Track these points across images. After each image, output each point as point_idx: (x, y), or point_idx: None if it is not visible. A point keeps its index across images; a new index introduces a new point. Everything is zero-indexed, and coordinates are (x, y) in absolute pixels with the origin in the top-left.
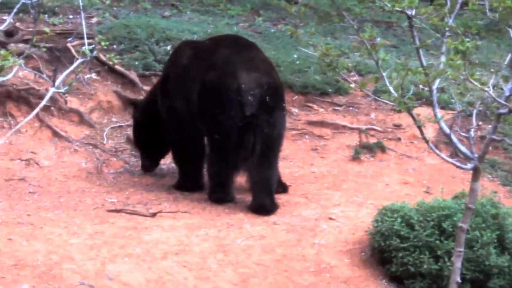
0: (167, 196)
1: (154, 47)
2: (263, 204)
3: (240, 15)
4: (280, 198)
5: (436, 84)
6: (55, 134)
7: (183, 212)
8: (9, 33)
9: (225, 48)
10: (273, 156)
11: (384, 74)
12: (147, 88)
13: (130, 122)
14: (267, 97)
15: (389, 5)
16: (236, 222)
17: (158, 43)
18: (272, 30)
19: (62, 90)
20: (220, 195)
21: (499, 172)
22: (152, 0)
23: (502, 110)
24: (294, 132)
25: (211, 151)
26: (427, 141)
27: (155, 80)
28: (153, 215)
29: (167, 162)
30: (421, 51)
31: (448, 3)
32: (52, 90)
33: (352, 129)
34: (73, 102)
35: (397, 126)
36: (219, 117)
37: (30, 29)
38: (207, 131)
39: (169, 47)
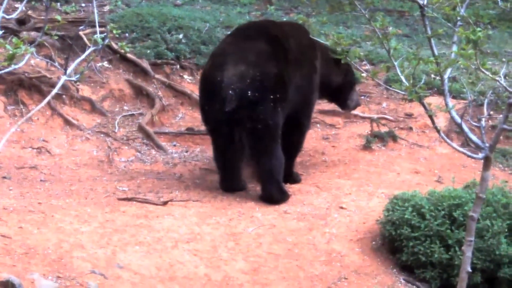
0: (178, 185)
1: (166, 35)
2: (271, 193)
3: (253, 3)
4: (291, 187)
5: (448, 73)
6: (67, 122)
7: (194, 201)
8: (21, 21)
9: (233, 36)
10: (266, 148)
11: (395, 63)
12: (159, 76)
13: (142, 110)
14: (249, 92)
15: None
16: (247, 211)
17: (170, 32)
18: (284, 19)
19: (73, 78)
20: (227, 183)
21: (510, 162)
22: None
23: None
24: None
25: (211, 142)
26: (438, 131)
27: (167, 68)
28: (164, 203)
29: (179, 150)
30: (432, 41)
31: None
32: (63, 78)
33: (363, 118)
34: (84, 90)
35: (409, 116)
36: (205, 109)
37: (42, 17)
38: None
39: (181, 36)
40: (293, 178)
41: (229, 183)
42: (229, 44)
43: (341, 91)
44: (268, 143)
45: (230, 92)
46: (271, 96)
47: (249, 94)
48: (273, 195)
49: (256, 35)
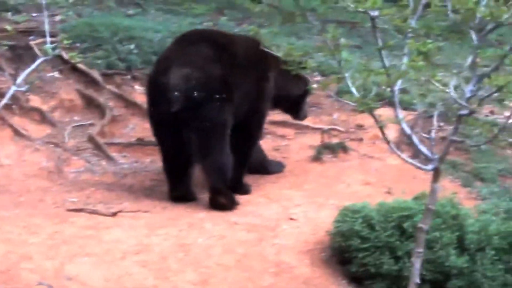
0: (128, 196)
1: (118, 46)
2: (216, 190)
3: (205, 14)
4: (241, 198)
5: (398, 85)
6: (16, 132)
7: (144, 212)
8: None
9: (177, 42)
10: (214, 146)
11: (346, 74)
12: (109, 87)
13: (92, 121)
14: (195, 92)
15: (352, 5)
16: (197, 222)
17: (122, 42)
18: (236, 30)
19: (23, 89)
20: (176, 193)
21: (460, 173)
22: None
23: (462, 112)
24: None
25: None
26: (388, 142)
27: (118, 78)
28: (114, 214)
29: (129, 161)
30: (384, 52)
31: (411, 4)
32: (13, 88)
33: (314, 129)
34: (34, 101)
35: (360, 127)
36: (152, 114)
37: None
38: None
39: (132, 46)
40: (243, 189)
41: (178, 192)
42: (173, 50)
43: (299, 102)
44: (215, 141)
45: (176, 93)
46: (217, 96)
47: (195, 95)
48: (218, 188)
49: (201, 41)
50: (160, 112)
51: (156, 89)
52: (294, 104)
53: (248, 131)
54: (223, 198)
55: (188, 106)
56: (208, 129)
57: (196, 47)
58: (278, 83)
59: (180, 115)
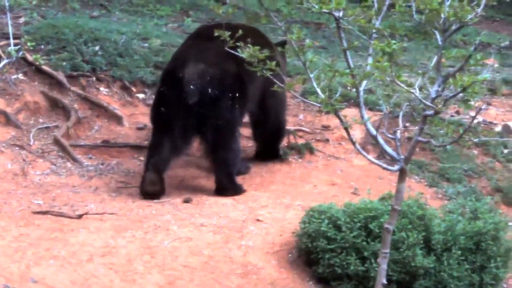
0: (94, 198)
1: (82, 47)
2: (221, 183)
3: (170, 15)
4: (207, 200)
5: (363, 85)
6: None
7: (110, 214)
8: None
9: (193, 38)
10: (224, 141)
11: (311, 75)
12: (74, 88)
13: (57, 123)
14: (209, 89)
15: (316, 6)
16: (163, 224)
17: (86, 44)
18: None
19: None
20: (149, 185)
21: (426, 173)
22: (80, 0)
23: (428, 112)
24: None
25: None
26: (353, 143)
27: (83, 80)
28: (80, 216)
29: (95, 163)
30: (349, 53)
31: (376, 5)
32: None
33: None
34: None
35: (326, 127)
36: (162, 104)
37: None
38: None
39: (97, 48)
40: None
41: (151, 185)
42: (189, 45)
43: None
44: (226, 138)
45: (192, 87)
46: (230, 94)
47: (209, 92)
48: (223, 184)
49: (216, 36)
50: (173, 104)
51: (171, 82)
52: None
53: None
54: (228, 192)
55: (203, 102)
56: (220, 126)
57: (212, 43)
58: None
59: (194, 109)
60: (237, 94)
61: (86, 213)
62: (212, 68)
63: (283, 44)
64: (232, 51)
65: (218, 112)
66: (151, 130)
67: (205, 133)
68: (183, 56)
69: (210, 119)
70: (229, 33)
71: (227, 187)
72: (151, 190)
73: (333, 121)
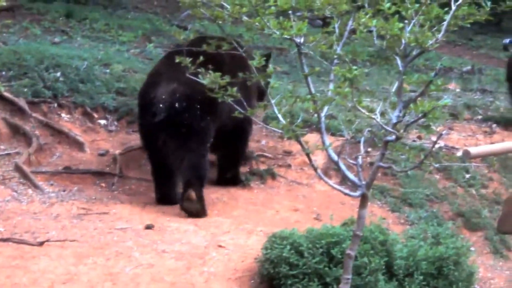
0: (55, 225)
1: (44, 73)
2: (189, 181)
3: (131, 41)
4: (169, 226)
5: (325, 111)
6: None
7: (71, 241)
8: None
9: (166, 58)
10: (193, 149)
11: (273, 101)
12: (36, 115)
13: (19, 149)
14: (177, 103)
15: (277, 32)
16: (125, 250)
17: (48, 70)
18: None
19: None
20: (163, 196)
21: (388, 199)
22: (42, 27)
23: (389, 137)
24: None
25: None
26: (315, 169)
27: (44, 107)
28: (41, 244)
29: (56, 190)
30: (310, 78)
31: (337, 30)
32: None
33: None
34: None
35: (288, 153)
36: (141, 124)
37: None
38: None
39: (58, 74)
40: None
41: (163, 195)
42: (163, 64)
43: None
44: (195, 145)
45: (161, 105)
46: (198, 106)
47: (177, 106)
48: (191, 183)
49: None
50: (147, 123)
51: (144, 102)
52: None
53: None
54: (196, 204)
55: (170, 116)
56: (187, 134)
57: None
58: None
59: (162, 124)
60: (206, 107)
61: (47, 240)
62: (183, 86)
63: (267, 56)
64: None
65: (186, 121)
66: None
67: (177, 143)
68: (156, 76)
69: (179, 130)
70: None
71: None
72: (161, 198)
73: (295, 146)
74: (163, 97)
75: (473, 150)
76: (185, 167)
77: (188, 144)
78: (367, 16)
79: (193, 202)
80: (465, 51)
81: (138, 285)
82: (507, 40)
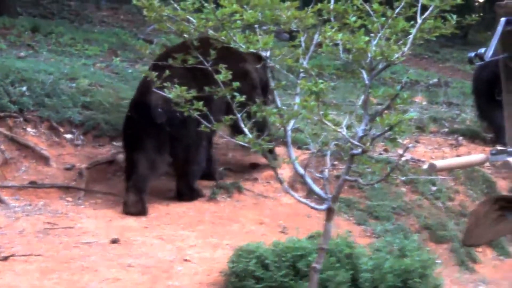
0: (20, 239)
1: (9, 88)
2: (179, 189)
3: (97, 55)
4: (135, 240)
5: (291, 125)
6: None
7: (37, 255)
8: None
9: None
10: (188, 154)
11: (239, 115)
12: (1, 129)
13: None
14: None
15: (243, 46)
16: (91, 265)
17: (13, 84)
18: (130, 71)
19: None
20: (130, 206)
21: (354, 211)
22: (8, 41)
23: (355, 151)
24: None
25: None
26: (281, 182)
27: (10, 121)
28: (5, 259)
29: (22, 204)
30: (276, 92)
31: (303, 44)
32: None
33: None
34: None
35: (254, 166)
36: (130, 127)
37: None
38: None
39: (24, 88)
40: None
41: (133, 206)
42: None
43: None
44: (189, 152)
45: (159, 110)
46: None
47: (178, 114)
48: (180, 189)
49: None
50: (144, 126)
51: (138, 109)
52: None
53: None
54: (186, 198)
55: (171, 122)
56: (184, 139)
57: (174, 68)
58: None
59: (165, 128)
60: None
61: (12, 255)
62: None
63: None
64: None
65: (186, 132)
66: (124, 154)
67: (175, 150)
68: (147, 83)
69: (178, 138)
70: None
71: (183, 192)
72: (134, 211)
73: (261, 159)
74: (159, 102)
75: (439, 163)
76: (179, 174)
77: (184, 150)
78: (333, 30)
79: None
80: (431, 64)
81: None
82: (472, 54)
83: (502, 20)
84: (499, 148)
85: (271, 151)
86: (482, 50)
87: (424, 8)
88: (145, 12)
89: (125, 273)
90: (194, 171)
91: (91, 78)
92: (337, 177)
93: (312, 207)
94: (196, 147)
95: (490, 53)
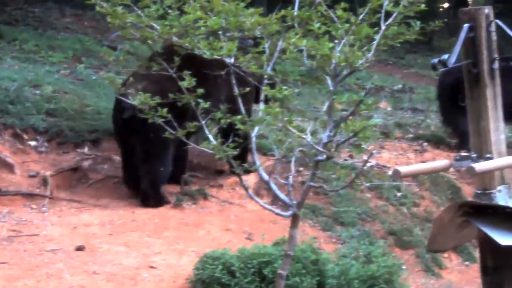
0: None
1: None
2: (144, 192)
3: (62, 62)
4: (100, 247)
5: (255, 131)
6: None
7: (1, 263)
8: None
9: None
10: (154, 154)
11: (203, 122)
12: None
13: None
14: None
15: (208, 53)
16: (56, 272)
17: None
18: (94, 77)
19: None
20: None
21: (320, 218)
22: None
23: (320, 157)
24: (116, 180)
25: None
26: (246, 189)
27: None
28: None
29: None
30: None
31: (267, 50)
32: None
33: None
34: None
35: (220, 173)
36: (114, 122)
37: None
38: None
39: None
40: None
41: (131, 182)
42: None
43: None
44: (156, 150)
45: (127, 107)
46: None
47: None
48: (146, 192)
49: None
50: (117, 121)
51: (117, 100)
52: None
53: None
54: (151, 201)
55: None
56: (148, 142)
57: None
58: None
59: (130, 123)
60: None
61: None
62: (152, 85)
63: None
64: None
65: (150, 134)
66: None
67: (139, 145)
68: (130, 77)
69: (141, 132)
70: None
71: (149, 195)
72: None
73: (226, 166)
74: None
75: (403, 170)
76: (143, 174)
77: (149, 149)
78: (297, 36)
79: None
80: (396, 70)
81: None
82: (435, 60)
83: (465, 26)
84: (463, 154)
85: (243, 158)
86: (445, 56)
87: (388, 15)
88: (108, 19)
89: (90, 280)
90: (158, 175)
91: (55, 85)
92: (302, 183)
93: (277, 214)
94: (161, 151)
95: (453, 59)
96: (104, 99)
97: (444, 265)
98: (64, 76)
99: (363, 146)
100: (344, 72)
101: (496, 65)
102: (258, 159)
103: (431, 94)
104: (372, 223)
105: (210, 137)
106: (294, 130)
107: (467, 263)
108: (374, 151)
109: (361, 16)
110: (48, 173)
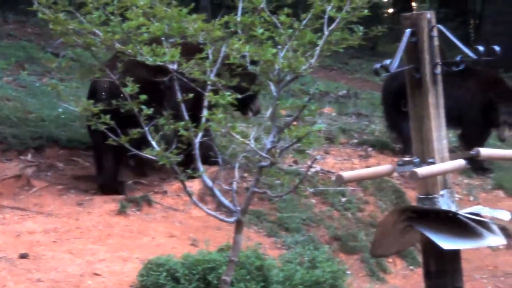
0: None
1: None
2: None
3: (4, 69)
4: (44, 255)
5: (199, 137)
6: None
7: None
8: None
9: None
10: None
11: (146, 128)
12: None
13: None
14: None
15: (150, 59)
16: None
17: None
18: (37, 84)
19: None
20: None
21: (264, 223)
22: None
23: (263, 163)
24: (59, 187)
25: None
26: (190, 195)
27: None
28: None
29: None
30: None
31: (210, 56)
32: None
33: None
34: None
35: (164, 179)
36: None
37: None
38: None
39: None
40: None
41: (103, 182)
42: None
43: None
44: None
45: (103, 93)
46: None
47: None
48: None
49: None
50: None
51: (92, 91)
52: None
53: None
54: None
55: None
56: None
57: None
58: None
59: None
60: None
61: None
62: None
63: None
64: None
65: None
66: None
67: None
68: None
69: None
70: None
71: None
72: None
73: (171, 172)
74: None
75: (346, 175)
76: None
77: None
78: (240, 42)
79: None
80: (340, 75)
81: None
82: (378, 65)
83: (407, 31)
84: (405, 159)
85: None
86: (387, 61)
87: (332, 20)
88: (51, 26)
89: None
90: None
91: None
92: (247, 189)
93: (221, 220)
94: (98, 157)
95: (395, 64)
96: (47, 106)
97: (388, 269)
98: (7, 83)
99: (307, 151)
100: (288, 78)
101: (439, 70)
102: (201, 166)
103: (376, 99)
104: (317, 228)
105: (153, 143)
106: (237, 136)
107: (411, 267)
108: (318, 157)
109: (304, 22)
110: None
